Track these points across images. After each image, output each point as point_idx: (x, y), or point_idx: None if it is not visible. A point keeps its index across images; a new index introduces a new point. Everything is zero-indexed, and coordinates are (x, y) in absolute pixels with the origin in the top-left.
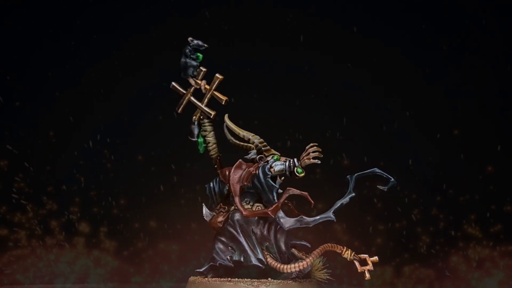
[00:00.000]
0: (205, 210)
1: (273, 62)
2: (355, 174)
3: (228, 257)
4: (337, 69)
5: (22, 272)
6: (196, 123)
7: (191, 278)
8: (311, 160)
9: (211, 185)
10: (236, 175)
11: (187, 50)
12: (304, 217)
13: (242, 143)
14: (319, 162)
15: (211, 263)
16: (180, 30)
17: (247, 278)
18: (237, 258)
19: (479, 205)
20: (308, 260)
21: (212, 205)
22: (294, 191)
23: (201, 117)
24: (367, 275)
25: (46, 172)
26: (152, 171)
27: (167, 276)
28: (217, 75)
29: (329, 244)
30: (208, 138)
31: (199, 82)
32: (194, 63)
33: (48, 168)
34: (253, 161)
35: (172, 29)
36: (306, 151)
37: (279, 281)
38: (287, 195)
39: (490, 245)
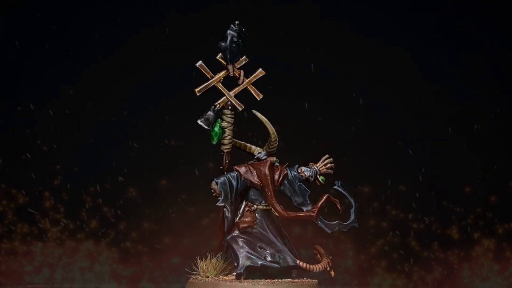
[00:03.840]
0: (244, 205)
1: (272, 60)
2: (340, 185)
3: (267, 258)
4: (335, 68)
5: (25, 272)
6: (215, 111)
7: (191, 279)
8: (328, 170)
9: (226, 180)
10: (270, 175)
11: (235, 34)
12: (340, 221)
13: (239, 142)
14: (332, 172)
15: (249, 263)
16: (181, 29)
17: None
18: (273, 259)
19: (481, 207)
20: (325, 260)
21: (226, 202)
22: (330, 197)
23: (230, 107)
24: (332, 272)
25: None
26: (154, 171)
27: (168, 277)
28: (260, 69)
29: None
30: (228, 131)
31: (237, 71)
32: (237, 49)
33: (51, 168)
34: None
35: (173, 28)
36: (323, 161)
37: (280, 281)
38: (326, 200)
39: (493, 247)
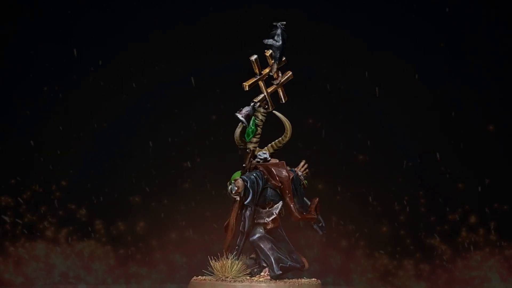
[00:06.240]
0: (281, 206)
1: None
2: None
3: (289, 258)
4: (333, 71)
5: (15, 272)
6: (255, 108)
7: (194, 279)
8: (306, 175)
9: (254, 179)
10: (287, 176)
11: (285, 34)
12: (323, 224)
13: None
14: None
15: (281, 264)
16: (182, 37)
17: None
18: (292, 259)
19: (479, 201)
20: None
21: (252, 201)
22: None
23: (266, 106)
24: None
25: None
26: (156, 169)
27: (168, 277)
28: (291, 73)
29: None
30: (259, 129)
31: (277, 71)
32: (283, 49)
33: (50, 167)
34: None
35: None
36: (303, 166)
37: (279, 280)
38: (317, 204)
39: (492, 240)
